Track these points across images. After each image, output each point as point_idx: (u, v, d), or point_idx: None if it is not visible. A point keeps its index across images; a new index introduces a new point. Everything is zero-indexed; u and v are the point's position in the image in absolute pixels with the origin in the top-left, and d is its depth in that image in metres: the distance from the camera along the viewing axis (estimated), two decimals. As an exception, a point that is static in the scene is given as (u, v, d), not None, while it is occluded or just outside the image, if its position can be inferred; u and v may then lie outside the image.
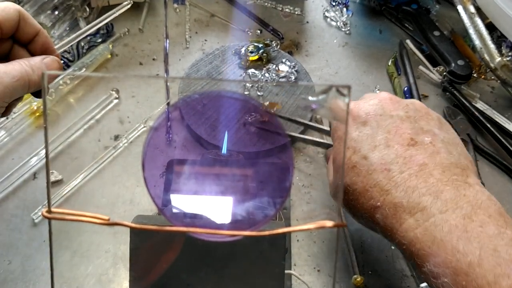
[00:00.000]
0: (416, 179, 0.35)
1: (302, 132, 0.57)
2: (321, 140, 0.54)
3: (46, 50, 0.41)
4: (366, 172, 0.36)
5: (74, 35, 0.50)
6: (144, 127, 0.57)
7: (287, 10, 0.74)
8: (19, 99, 0.41)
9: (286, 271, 0.44)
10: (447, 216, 0.33)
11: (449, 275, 0.30)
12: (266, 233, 0.27)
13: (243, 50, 0.64)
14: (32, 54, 0.41)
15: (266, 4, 0.74)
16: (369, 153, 0.37)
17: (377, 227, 0.37)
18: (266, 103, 0.58)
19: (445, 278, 0.31)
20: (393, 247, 0.49)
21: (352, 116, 0.39)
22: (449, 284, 0.30)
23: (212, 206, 0.37)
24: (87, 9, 0.69)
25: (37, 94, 0.41)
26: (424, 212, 0.33)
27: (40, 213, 0.49)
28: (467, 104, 0.60)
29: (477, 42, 0.62)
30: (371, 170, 0.36)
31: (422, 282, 0.46)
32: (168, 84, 0.56)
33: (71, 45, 0.63)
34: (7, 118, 0.55)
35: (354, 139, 0.38)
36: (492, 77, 0.65)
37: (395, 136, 0.37)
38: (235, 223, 0.37)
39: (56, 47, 0.44)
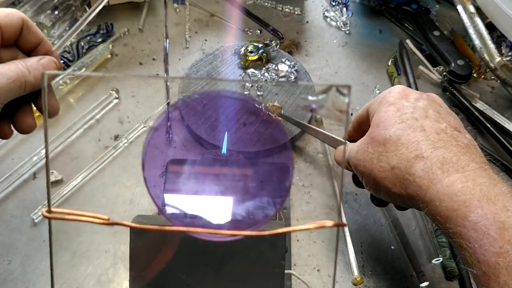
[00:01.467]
0: (464, 150, 0.37)
1: (302, 132, 0.57)
2: (335, 136, 0.51)
3: (42, 47, 0.41)
4: (414, 128, 0.38)
5: (68, 33, 0.50)
6: (144, 127, 0.57)
7: (287, 10, 0.74)
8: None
9: (286, 271, 0.44)
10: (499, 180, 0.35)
11: (496, 229, 0.32)
12: (266, 233, 0.27)
13: (242, 50, 0.64)
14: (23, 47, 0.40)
15: (266, 4, 0.74)
16: (420, 118, 0.39)
17: (409, 179, 0.37)
18: (271, 104, 0.58)
19: (490, 229, 0.32)
20: (393, 247, 0.49)
21: (404, 93, 0.42)
22: (494, 237, 0.32)
23: (212, 206, 0.37)
24: (87, 9, 0.69)
25: (34, 95, 0.41)
26: (476, 171, 0.35)
27: (40, 213, 0.49)
28: (467, 104, 0.60)
29: (477, 42, 0.62)
30: (421, 129, 0.38)
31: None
32: (168, 84, 0.57)
33: (71, 45, 0.63)
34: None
35: (406, 106, 0.40)
36: (492, 77, 0.65)
37: (445, 118, 0.40)
38: (235, 223, 0.37)
39: (55, 47, 0.44)
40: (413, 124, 0.39)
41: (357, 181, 0.47)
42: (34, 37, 0.40)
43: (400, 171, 0.38)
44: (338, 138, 0.50)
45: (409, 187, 0.37)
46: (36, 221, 0.49)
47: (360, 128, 0.47)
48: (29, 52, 0.40)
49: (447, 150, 0.37)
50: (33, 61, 0.39)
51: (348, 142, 0.46)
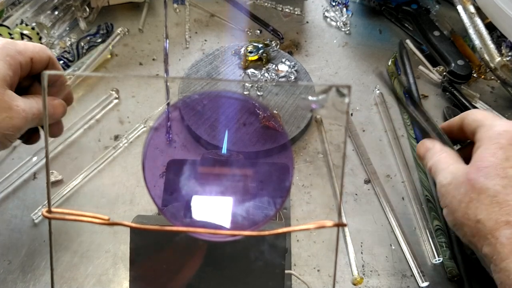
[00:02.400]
0: None
1: (302, 132, 0.57)
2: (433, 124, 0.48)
3: (62, 92, 0.46)
4: None
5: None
6: (144, 127, 0.57)
7: (287, 10, 0.74)
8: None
9: (286, 271, 0.44)
10: None
11: None
12: (266, 233, 0.27)
13: (242, 50, 0.64)
14: (49, 92, 0.45)
15: (266, 4, 0.74)
16: None
17: (490, 240, 0.36)
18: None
19: None
20: (393, 247, 0.49)
21: None
22: None
23: (212, 206, 0.37)
24: (87, 9, 0.69)
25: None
26: None
27: (40, 213, 0.49)
28: (467, 104, 0.60)
29: (477, 42, 0.63)
30: None
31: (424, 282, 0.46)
32: (168, 84, 0.57)
33: (71, 45, 0.63)
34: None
35: None
36: (492, 77, 0.65)
37: None
38: (235, 223, 0.37)
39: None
40: None
41: None
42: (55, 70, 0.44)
43: (484, 228, 0.36)
44: (431, 131, 0.47)
45: (488, 246, 0.36)
46: (36, 221, 0.49)
47: (450, 133, 0.46)
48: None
49: None
50: (48, 100, 0.43)
51: (439, 146, 0.44)
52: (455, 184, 0.39)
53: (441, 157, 0.43)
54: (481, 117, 0.42)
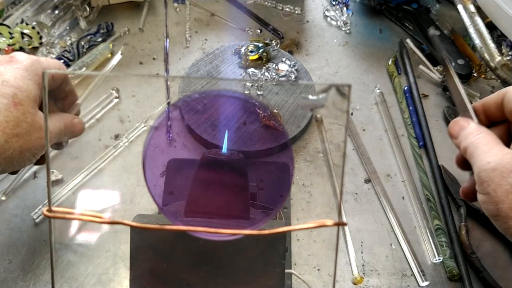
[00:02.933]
0: None
1: (302, 131, 0.57)
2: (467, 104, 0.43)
3: (71, 108, 0.47)
4: None
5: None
6: (145, 126, 0.57)
7: (287, 9, 0.74)
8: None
9: (286, 270, 0.44)
10: None
11: None
12: (266, 232, 0.27)
13: (243, 49, 0.64)
14: (60, 107, 0.46)
15: (266, 3, 0.74)
16: None
17: None
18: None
19: None
20: (393, 246, 0.49)
21: None
22: None
23: (212, 205, 0.37)
24: (87, 9, 0.69)
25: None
26: None
27: (40, 213, 0.49)
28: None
29: (477, 41, 0.63)
30: None
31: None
32: (168, 83, 0.57)
33: (72, 44, 0.63)
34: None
35: None
36: (492, 77, 0.65)
37: None
38: (236, 222, 0.37)
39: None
40: None
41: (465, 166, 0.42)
42: (68, 89, 0.45)
43: None
44: (469, 108, 0.42)
45: None
46: (36, 220, 0.49)
47: (485, 113, 0.42)
48: (58, 99, 0.46)
49: None
50: (69, 118, 0.45)
51: (476, 126, 0.40)
52: (501, 171, 0.35)
53: (480, 138, 0.39)
54: None
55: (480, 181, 0.37)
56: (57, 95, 0.46)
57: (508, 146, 0.38)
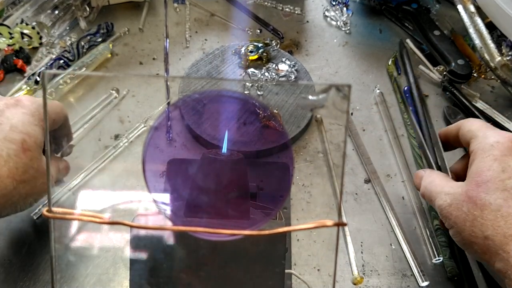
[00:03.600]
0: None
1: (302, 131, 0.57)
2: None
3: (66, 139, 0.48)
4: None
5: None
6: (144, 126, 0.57)
7: (287, 9, 0.74)
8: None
9: (286, 271, 0.44)
10: None
11: None
12: (266, 232, 0.27)
13: (243, 49, 0.64)
14: (56, 148, 0.48)
15: (266, 3, 0.74)
16: None
17: (502, 255, 0.36)
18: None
19: None
20: (393, 246, 0.49)
21: None
22: None
23: (212, 206, 0.37)
24: (87, 9, 0.69)
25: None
26: None
27: (40, 213, 0.49)
28: (467, 103, 0.60)
29: (477, 41, 0.62)
30: None
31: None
32: (168, 83, 0.57)
33: (71, 45, 0.63)
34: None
35: None
36: (492, 77, 0.65)
37: None
38: (235, 223, 0.37)
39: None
40: None
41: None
42: (66, 130, 0.47)
43: (494, 244, 0.36)
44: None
45: (500, 262, 0.36)
46: (36, 220, 0.48)
47: (447, 140, 0.48)
48: (55, 139, 0.47)
49: None
50: (63, 164, 0.48)
51: (429, 171, 0.46)
52: (455, 204, 0.39)
53: (432, 180, 0.43)
54: (475, 128, 0.43)
55: (444, 218, 0.41)
56: (55, 135, 0.46)
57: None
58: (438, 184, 0.43)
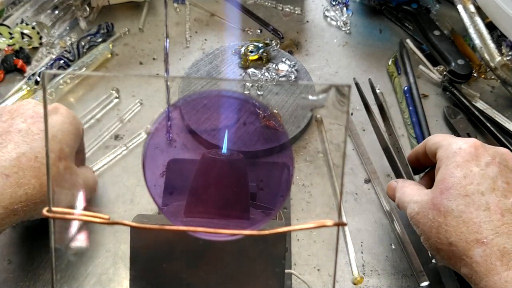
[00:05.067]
0: None
1: (302, 131, 0.57)
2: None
3: (82, 161, 0.48)
4: (479, 206, 0.37)
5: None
6: (144, 128, 0.57)
7: (287, 9, 0.74)
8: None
9: (286, 271, 0.44)
10: None
11: None
12: (266, 232, 0.27)
13: (243, 49, 0.64)
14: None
15: (266, 3, 0.74)
16: (487, 192, 0.38)
17: (466, 260, 0.37)
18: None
19: None
20: (393, 246, 0.49)
21: (475, 154, 0.40)
22: None
23: (212, 206, 0.37)
24: (87, 9, 0.69)
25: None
26: None
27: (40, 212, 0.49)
28: (467, 103, 0.60)
29: (477, 41, 0.62)
30: (485, 207, 0.37)
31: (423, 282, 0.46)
32: (168, 83, 0.56)
33: (72, 45, 0.63)
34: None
35: (474, 172, 0.39)
36: (492, 77, 0.65)
37: None
38: (235, 223, 0.37)
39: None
40: (478, 200, 0.37)
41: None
42: (82, 145, 0.47)
43: (458, 250, 0.37)
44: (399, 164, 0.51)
45: (465, 267, 0.37)
46: (36, 220, 0.48)
47: (418, 161, 0.49)
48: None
49: (510, 238, 0.35)
50: (91, 174, 0.48)
51: (401, 182, 0.47)
52: (422, 212, 0.40)
53: (404, 191, 0.44)
54: (439, 139, 0.43)
55: (414, 226, 0.42)
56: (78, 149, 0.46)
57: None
58: (408, 193, 0.44)
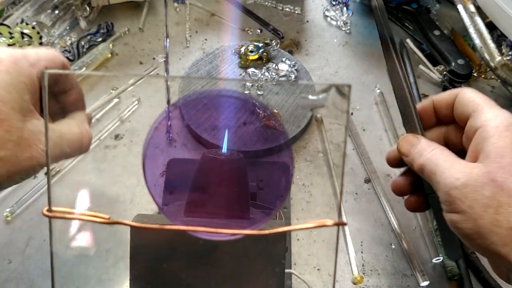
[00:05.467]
0: None
1: (302, 131, 0.57)
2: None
3: (76, 105, 0.40)
4: None
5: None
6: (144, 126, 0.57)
7: (287, 9, 0.74)
8: None
9: (286, 270, 0.44)
10: None
11: None
12: (266, 232, 0.27)
13: (243, 49, 0.64)
14: (62, 104, 0.39)
15: (266, 3, 0.74)
16: None
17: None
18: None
19: None
20: (393, 246, 0.49)
21: None
22: None
23: (212, 205, 0.37)
24: (87, 8, 0.69)
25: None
26: None
27: (40, 212, 0.49)
28: (467, 103, 0.60)
29: (477, 41, 0.62)
30: None
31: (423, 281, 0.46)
32: (168, 83, 0.57)
33: (72, 44, 0.63)
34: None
35: None
36: (492, 77, 0.65)
37: None
38: (236, 222, 0.37)
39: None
40: None
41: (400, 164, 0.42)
42: (69, 82, 0.39)
43: (496, 239, 0.32)
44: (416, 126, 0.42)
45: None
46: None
47: (436, 110, 0.41)
48: (59, 94, 0.39)
49: None
50: (83, 118, 0.39)
51: (427, 142, 0.38)
52: (474, 185, 0.33)
53: (437, 154, 0.37)
54: (479, 100, 0.37)
55: (451, 200, 0.34)
56: (55, 89, 0.38)
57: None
58: (445, 158, 0.36)
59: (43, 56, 0.35)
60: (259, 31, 0.70)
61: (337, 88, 0.29)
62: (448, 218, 0.35)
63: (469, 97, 0.38)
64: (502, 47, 0.65)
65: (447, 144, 0.41)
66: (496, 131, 0.35)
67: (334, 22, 0.73)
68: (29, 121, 0.33)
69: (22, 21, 0.64)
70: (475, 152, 0.35)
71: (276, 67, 0.62)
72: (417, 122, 0.42)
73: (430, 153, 0.37)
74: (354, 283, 0.46)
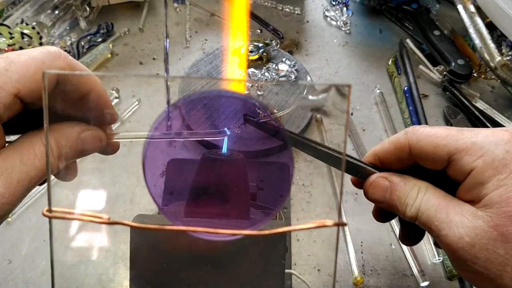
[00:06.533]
0: None
1: (302, 131, 0.57)
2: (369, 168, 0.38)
3: (101, 109, 0.33)
4: None
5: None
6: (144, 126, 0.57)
7: (287, 9, 0.74)
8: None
9: (287, 271, 0.44)
10: None
11: None
12: (266, 232, 0.27)
13: (243, 49, 0.64)
14: (85, 114, 0.33)
15: (266, 3, 0.74)
16: None
17: None
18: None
19: None
20: (393, 246, 0.49)
21: None
22: None
23: (212, 206, 0.37)
24: (87, 9, 0.69)
25: None
26: None
27: (40, 213, 0.49)
28: (467, 103, 0.60)
29: (477, 41, 0.62)
30: None
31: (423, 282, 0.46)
32: (168, 83, 0.56)
33: (72, 44, 0.64)
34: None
35: None
36: (492, 77, 0.65)
37: None
38: (236, 223, 0.37)
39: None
40: None
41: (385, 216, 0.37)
42: (83, 86, 0.31)
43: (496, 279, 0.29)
44: (372, 169, 0.37)
45: None
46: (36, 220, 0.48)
47: (396, 155, 0.35)
48: (77, 100, 0.32)
49: None
50: (73, 133, 0.31)
51: (413, 181, 0.33)
52: (483, 244, 0.29)
53: (428, 201, 0.32)
54: (445, 134, 0.32)
55: (461, 261, 0.30)
56: (67, 95, 0.31)
57: None
58: (436, 207, 0.31)
59: (40, 54, 0.28)
60: (259, 31, 0.70)
61: (337, 88, 0.29)
62: (462, 275, 0.32)
63: (435, 136, 0.32)
64: (502, 47, 0.65)
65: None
66: (492, 171, 0.30)
67: (334, 22, 0.73)
68: None
69: (22, 21, 0.64)
70: (470, 194, 0.31)
71: (276, 67, 0.62)
72: (366, 165, 0.38)
73: (423, 201, 0.32)
74: (354, 284, 0.46)
